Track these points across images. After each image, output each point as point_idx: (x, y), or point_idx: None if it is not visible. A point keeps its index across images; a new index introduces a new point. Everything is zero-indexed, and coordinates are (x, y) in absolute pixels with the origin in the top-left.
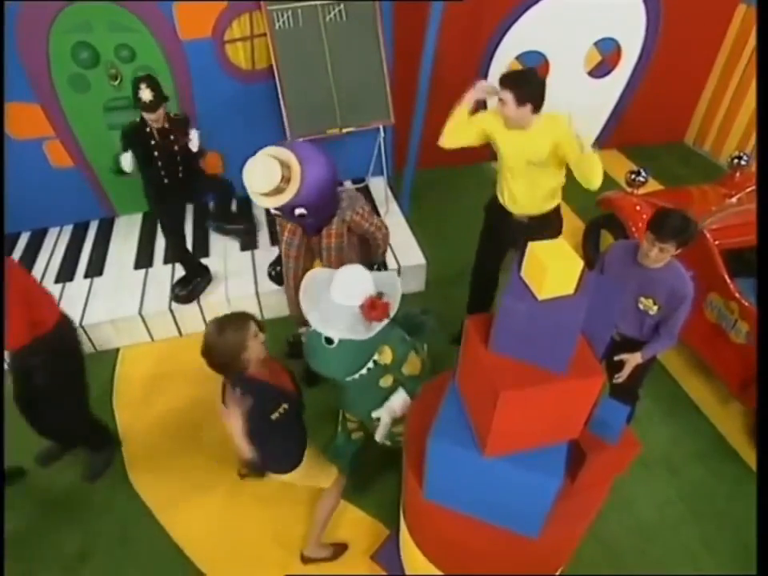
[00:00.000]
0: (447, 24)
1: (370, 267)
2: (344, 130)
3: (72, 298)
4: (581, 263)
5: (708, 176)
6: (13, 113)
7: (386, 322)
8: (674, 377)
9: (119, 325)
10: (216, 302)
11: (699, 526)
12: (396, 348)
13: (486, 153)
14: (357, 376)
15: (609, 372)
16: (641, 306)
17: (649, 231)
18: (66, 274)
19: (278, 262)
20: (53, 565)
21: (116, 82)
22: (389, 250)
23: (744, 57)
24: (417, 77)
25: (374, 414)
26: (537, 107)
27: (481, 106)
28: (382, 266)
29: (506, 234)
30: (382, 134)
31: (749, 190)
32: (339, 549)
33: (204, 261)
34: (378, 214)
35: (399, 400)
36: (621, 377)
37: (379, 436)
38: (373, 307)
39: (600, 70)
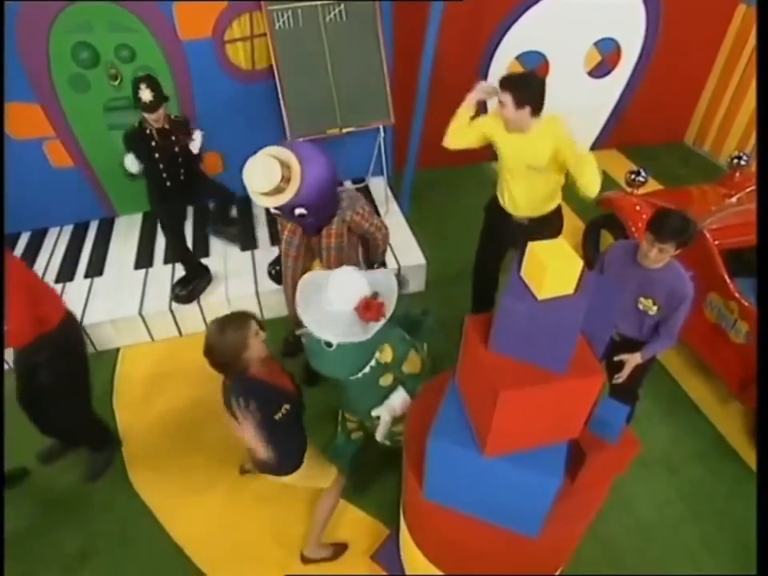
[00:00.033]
0: (447, 24)
1: (370, 267)
2: (344, 130)
3: (72, 298)
4: (581, 263)
5: (708, 176)
6: (13, 113)
7: (383, 321)
8: (674, 377)
9: (119, 325)
10: (216, 301)
11: (699, 526)
12: (396, 346)
13: (486, 153)
14: (359, 375)
15: (609, 372)
16: (640, 306)
17: (648, 231)
18: (66, 274)
19: (278, 261)
20: (53, 564)
21: (116, 82)
22: (389, 249)
23: (744, 57)
24: (417, 77)
25: (374, 413)
26: (536, 110)
27: (481, 106)
28: (382, 267)
29: (506, 234)
30: (382, 134)
31: (748, 190)
32: (339, 549)
33: (204, 261)
34: (378, 214)
35: (399, 398)
36: (621, 377)
37: (379, 435)
38: (367, 308)
39: (600, 70)
